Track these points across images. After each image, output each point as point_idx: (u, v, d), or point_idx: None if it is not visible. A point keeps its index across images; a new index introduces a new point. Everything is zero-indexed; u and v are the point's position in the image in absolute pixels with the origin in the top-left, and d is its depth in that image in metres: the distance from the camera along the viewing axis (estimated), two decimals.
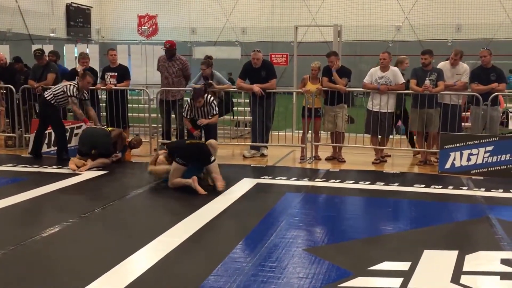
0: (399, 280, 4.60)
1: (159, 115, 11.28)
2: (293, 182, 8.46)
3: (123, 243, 5.58)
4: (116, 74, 11.15)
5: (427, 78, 9.44)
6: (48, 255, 5.25)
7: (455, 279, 4.66)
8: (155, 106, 11.28)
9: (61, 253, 5.31)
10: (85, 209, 6.74)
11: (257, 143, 10.60)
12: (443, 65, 9.98)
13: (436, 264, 5.05)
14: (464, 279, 4.66)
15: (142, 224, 6.34)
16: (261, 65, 10.37)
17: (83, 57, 11.26)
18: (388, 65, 9.79)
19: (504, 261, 5.07)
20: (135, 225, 6.32)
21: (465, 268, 4.90)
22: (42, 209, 7.05)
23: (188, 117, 9.49)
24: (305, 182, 8.47)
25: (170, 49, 11.06)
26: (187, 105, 9.55)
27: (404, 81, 9.83)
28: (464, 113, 10.55)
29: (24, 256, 5.15)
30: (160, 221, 6.37)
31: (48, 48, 13.08)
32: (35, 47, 14.10)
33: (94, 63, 12.72)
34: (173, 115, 11.29)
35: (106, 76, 11.24)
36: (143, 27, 18.28)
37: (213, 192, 7.57)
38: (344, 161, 10.18)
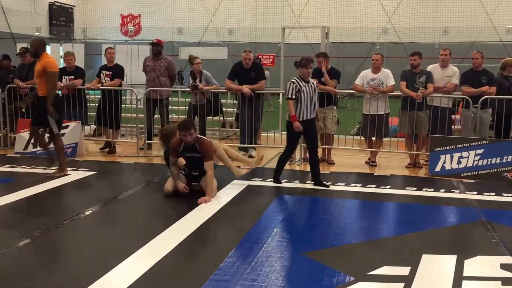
0: (401, 286, 4.54)
1: (143, 114, 11.17)
2: (284, 184, 8.37)
3: (117, 246, 5.45)
4: (110, 73, 11.02)
5: (419, 83, 9.44)
6: (40, 259, 5.13)
7: (457, 284, 4.60)
8: (142, 106, 11.15)
9: (54, 256, 5.20)
10: (76, 211, 6.60)
11: (246, 144, 10.52)
12: (432, 67, 9.97)
13: (436, 269, 5.00)
14: (465, 285, 4.61)
15: (136, 227, 6.21)
16: (251, 66, 10.30)
17: (67, 55, 11.09)
18: (380, 66, 9.78)
19: (504, 266, 5.03)
20: (129, 227, 6.21)
21: (465, 273, 4.84)
22: (30, 211, 6.86)
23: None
24: (296, 185, 8.39)
25: (158, 43, 11.14)
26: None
27: (394, 83, 9.79)
28: (453, 116, 10.55)
29: (17, 260, 5.02)
30: (154, 224, 6.27)
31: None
32: (18, 46, 13.87)
33: (79, 62, 12.52)
34: (157, 115, 11.26)
35: (102, 74, 11.11)
36: (129, 27, 18.12)
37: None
38: (334, 163, 10.13)
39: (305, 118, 8.17)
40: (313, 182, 8.31)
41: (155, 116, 11.34)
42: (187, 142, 7.38)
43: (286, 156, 8.58)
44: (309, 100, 8.13)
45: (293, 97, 8.06)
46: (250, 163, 8.30)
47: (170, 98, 11.42)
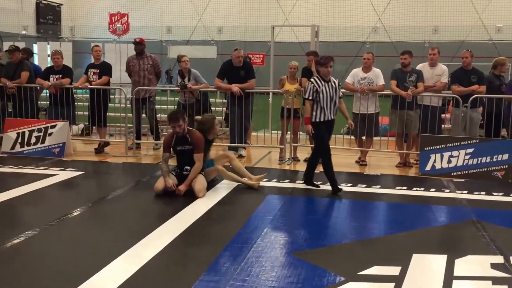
0: (391, 286, 4.52)
1: (132, 114, 11.08)
2: (274, 184, 8.33)
3: (106, 246, 5.39)
4: (98, 71, 10.91)
5: (409, 82, 9.42)
6: (28, 260, 5.03)
7: (447, 284, 4.59)
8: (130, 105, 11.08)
9: (41, 257, 5.11)
10: (64, 211, 6.50)
11: (235, 144, 10.46)
12: (421, 66, 9.97)
13: (426, 268, 4.98)
14: (456, 284, 4.59)
15: (125, 227, 6.15)
16: (241, 65, 10.23)
17: (54, 54, 10.97)
18: (371, 65, 9.75)
19: (494, 266, 5.01)
20: (118, 228, 6.14)
21: (456, 273, 4.83)
22: (17, 212, 6.79)
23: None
24: (286, 184, 8.35)
25: (141, 42, 11.13)
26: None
27: (383, 82, 9.75)
28: (443, 115, 10.54)
29: (4, 261, 4.96)
30: (143, 224, 6.19)
31: (19, 46, 12.71)
32: (5, 44, 13.74)
33: (67, 61, 12.41)
34: (143, 115, 11.19)
35: (89, 72, 11.00)
36: (117, 25, 17.98)
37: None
38: None
39: (324, 119, 7.92)
40: (303, 181, 8.26)
41: (143, 115, 11.28)
42: (177, 134, 7.52)
43: (326, 157, 8.08)
44: (328, 100, 7.84)
45: (310, 97, 7.83)
46: (251, 178, 8.17)
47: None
